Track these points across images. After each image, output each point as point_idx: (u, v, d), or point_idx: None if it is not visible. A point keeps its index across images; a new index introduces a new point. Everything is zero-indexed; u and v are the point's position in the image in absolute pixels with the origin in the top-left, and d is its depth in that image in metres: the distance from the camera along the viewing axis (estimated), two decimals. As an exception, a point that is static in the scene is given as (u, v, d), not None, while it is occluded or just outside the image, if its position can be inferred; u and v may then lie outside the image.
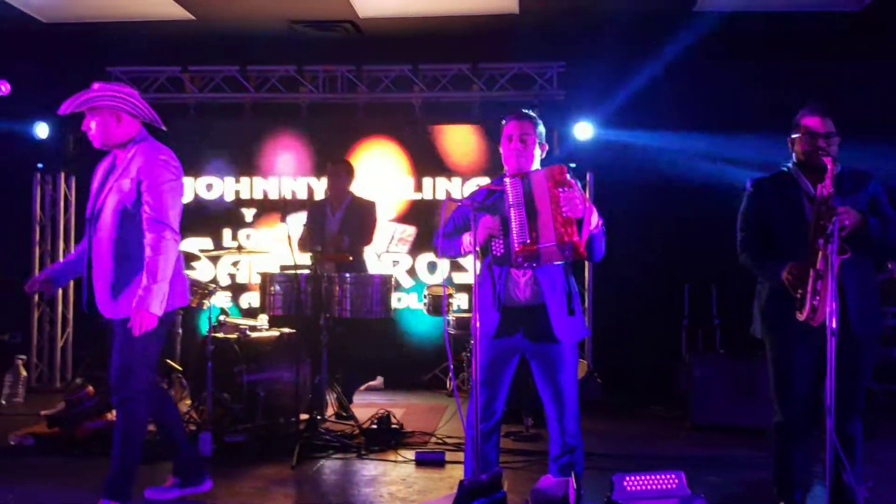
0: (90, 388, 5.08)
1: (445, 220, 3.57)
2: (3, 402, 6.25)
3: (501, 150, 3.50)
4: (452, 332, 6.29)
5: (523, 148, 3.45)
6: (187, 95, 7.69)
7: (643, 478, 3.13)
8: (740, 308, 4.01)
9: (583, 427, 3.42)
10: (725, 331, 6.36)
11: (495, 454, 3.56)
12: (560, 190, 3.23)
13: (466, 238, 3.47)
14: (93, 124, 3.60)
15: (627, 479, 3.10)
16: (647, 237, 6.95)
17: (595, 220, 3.30)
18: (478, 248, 3.39)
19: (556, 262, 3.34)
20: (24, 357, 6.59)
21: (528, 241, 3.28)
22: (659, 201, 6.96)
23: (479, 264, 3.37)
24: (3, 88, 3.44)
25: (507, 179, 3.39)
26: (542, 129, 3.52)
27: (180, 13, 6.44)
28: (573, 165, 3.51)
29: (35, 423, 5.18)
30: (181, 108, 7.75)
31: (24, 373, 6.40)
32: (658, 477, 3.15)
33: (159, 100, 7.71)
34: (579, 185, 3.31)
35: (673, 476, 3.15)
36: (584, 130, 6.99)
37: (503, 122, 3.51)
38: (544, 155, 3.53)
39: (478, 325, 3.34)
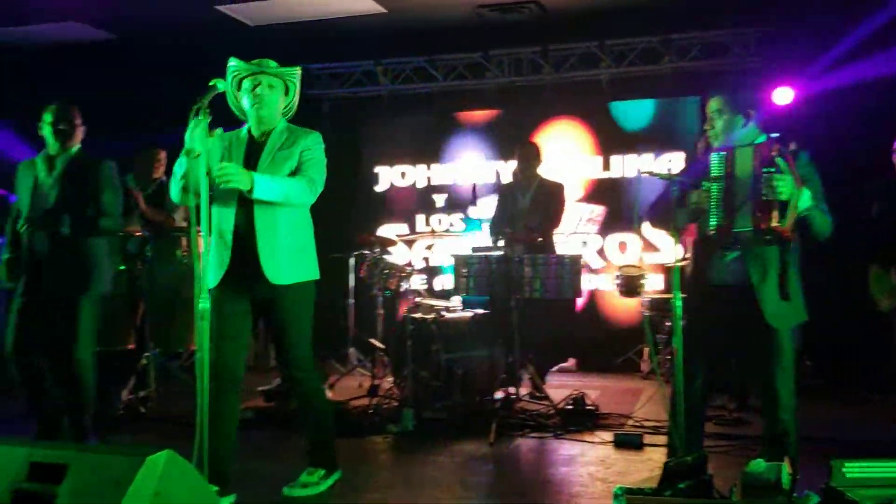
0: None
1: (646, 194, 3.50)
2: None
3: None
4: (647, 313, 6.14)
5: (719, 123, 3.33)
6: (381, 87, 8.00)
7: (865, 465, 2.91)
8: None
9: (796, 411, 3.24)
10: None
11: (699, 437, 3.46)
12: (765, 170, 3.07)
13: (679, 212, 3.38)
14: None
15: (847, 465, 2.89)
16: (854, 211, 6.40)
17: (806, 201, 3.11)
18: (681, 226, 3.30)
19: (761, 246, 3.19)
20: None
21: (724, 224, 3.16)
22: (868, 174, 6.40)
23: (683, 242, 3.28)
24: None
25: (712, 155, 3.27)
26: (745, 98, 3.36)
27: (373, 7, 6.70)
28: (776, 135, 3.31)
29: (253, 398, 5.61)
30: (375, 99, 8.09)
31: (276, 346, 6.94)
32: (882, 465, 2.92)
33: (355, 93, 8.11)
34: (789, 162, 3.12)
35: (900, 465, 2.90)
36: (783, 96, 6.56)
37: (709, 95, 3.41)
38: (750, 123, 3.36)
39: (679, 303, 3.23)
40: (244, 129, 3.59)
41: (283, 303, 3.50)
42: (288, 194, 3.42)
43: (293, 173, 3.50)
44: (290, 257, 3.48)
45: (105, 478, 2.40)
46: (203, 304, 2.94)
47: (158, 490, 2.41)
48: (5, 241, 4.31)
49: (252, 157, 3.49)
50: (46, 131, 4.22)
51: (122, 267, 5.34)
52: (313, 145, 3.57)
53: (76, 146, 4.29)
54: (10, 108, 5.26)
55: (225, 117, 3.40)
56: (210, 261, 3.42)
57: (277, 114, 3.56)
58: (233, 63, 3.48)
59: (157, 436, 4.76)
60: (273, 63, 3.52)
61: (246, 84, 3.48)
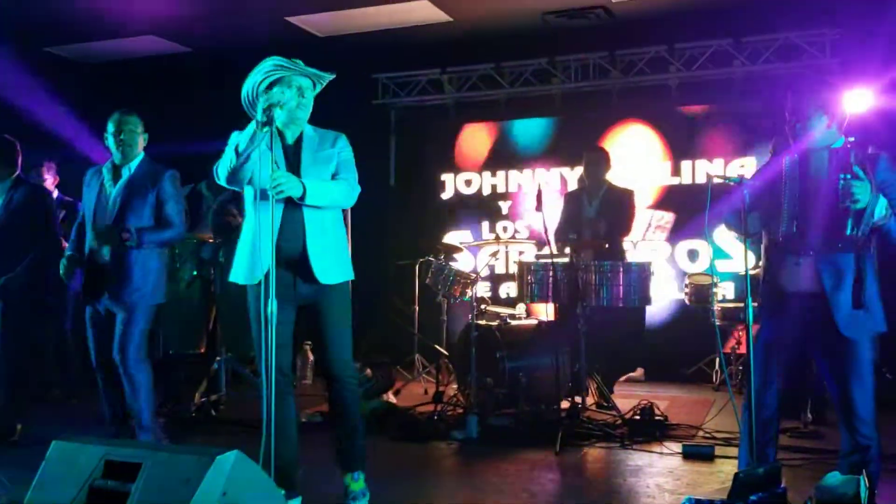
0: (368, 370, 5.49)
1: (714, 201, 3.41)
2: (295, 383, 6.93)
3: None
4: (718, 322, 6.00)
5: (798, 126, 3.23)
6: (446, 96, 8.04)
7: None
8: None
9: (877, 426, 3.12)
10: None
11: (772, 449, 3.37)
12: (842, 175, 2.97)
13: (751, 217, 3.31)
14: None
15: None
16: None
17: (881, 209, 3.01)
18: (752, 231, 3.22)
19: (834, 253, 3.09)
20: (310, 343, 7.26)
21: (795, 231, 3.08)
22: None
23: (755, 248, 3.19)
24: None
25: (786, 158, 3.18)
26: (826, 100, 3.25)
27: (439, 16, 6.75)
28: (853, 139, 3.20)
29: (322, 402, 5.67)
30: (441, 108, 8.13)
31: (311, 357, 7.05)
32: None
33: (421, 101, 8.16)
34: (867, 167, 3.01)
35: None
36: (861, 100, 6.33)
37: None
38: (831, 127, 3.25)
39: (751, 311, 3.15)
40: (257, 128, 3.26)
41: (328, 303, 3.47)
42: (335, 198, 3.44)
43: (333, 175, 3.50)
44: (335, 257, 3.48)
45: (176, 476, 2.45)
46: (271, 306, 3.00)
47: (226, 490, 2.46)
48: (70, 241, 4.44)
49: (290, 160, 3.43)
50: (110, 141, 4.30)
51: (196, 273, 5.48)
52: (346, 147, 3.56)
53: (139, 155, 4.34)
54: (96, 121, 5.46)
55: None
56: (254, 259, 3.35)
57: (308, 115, 3.52)
58: (268, 65, 3.33)
59: (227, 438, 4.86)
60: (301, 64, 3.42)
61: (287, 82, 3.36)
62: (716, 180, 3.38)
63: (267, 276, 3.13)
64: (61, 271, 4.29)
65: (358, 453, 3.60)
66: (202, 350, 5.56)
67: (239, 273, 3.44)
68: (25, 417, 4.91)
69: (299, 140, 3.48)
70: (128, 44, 7.43)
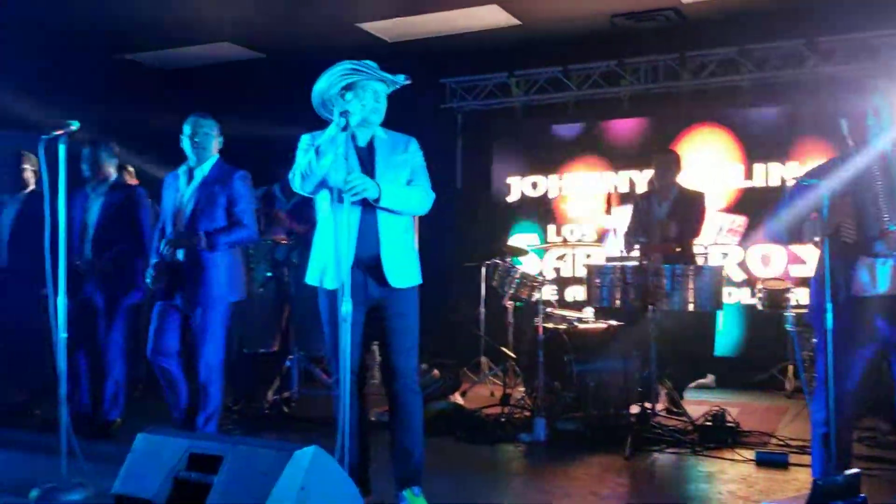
0: (436, 371, 5.54)
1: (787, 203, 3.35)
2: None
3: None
4: (792, 328, 5.86)
5: (875, 123, 3.16)
6: (514, 99, 8.05)
7: None
8: None
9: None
10: None
11: (848, 457, 3.28)
12: None
13: (809, 224, 3.23)
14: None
15: None
16: None
17: None
18: (825, 235, 3.14)
19: None
20: (378, 342, 7.35)
21: (878, 231, 3.00)
22: None
23: (824, 252, 3.12)
24: None
25: (871, 158, 3.11)
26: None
27: (507, 20, 6.77)
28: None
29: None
30: (508, 111, 8.15)
31: (378, 357, 7.15)
32: None
33: (487, 105, 8.20)
34: None
35: None
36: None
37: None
38: None
39: (830, 316, 3.08)
40: (337, 131, 3.27)
41: (396, 307, 3.47)
42: (411, 204, 3.46)
43: (409, 181, 3.51)
44: (406, 261, 3.48)
45: (256, 470, 2.55)
46: (346, 307, 3.05)
47: (304, 484, 2.54)
48: (154, 247, 4.57)
49: (364, 163, 3.43)
50: (185, 144, 4.41)
51: (270, 273, 5.61)
52: (417, 152, 3.55)
53: (213, 157, 4.45)
54: (172, 127, 5.68)
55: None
56: (326, 258, 3.39)
57: (381, 119, 3.52)
58: (340, 68, 3.37)
59: (298, 436, 4.94)
60: (376, 66, 3.43)
61: (361, 86, 3.39)
62: (791, 182, 3.32)
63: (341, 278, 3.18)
64: (147, 279, 4.39)
65: (417, 468, 3.51)
66: (275, 349, 5.70)
67: (314, 275, 3.50)
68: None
69: (371, 143, 3.49)
70: (204, 50, 7.65)
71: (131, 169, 6.42)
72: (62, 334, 3.79)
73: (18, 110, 7.09)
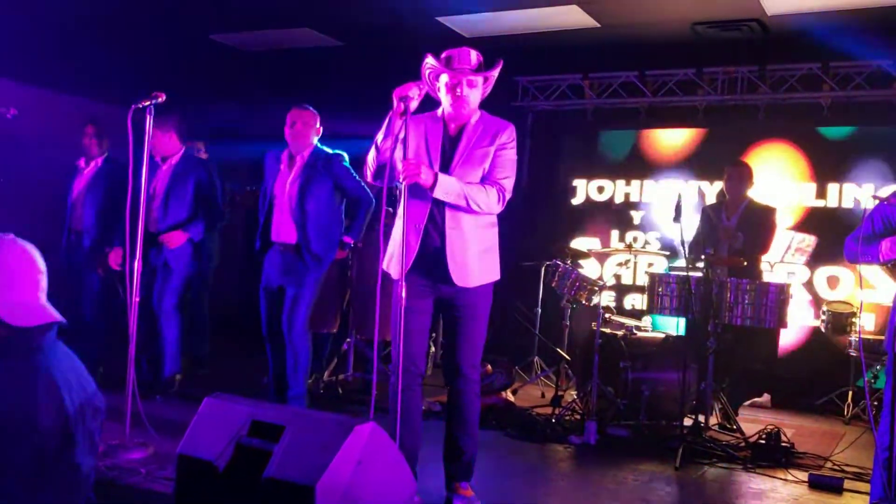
0: (488, 366, 5.56)
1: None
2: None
3: None
4: (855, 353, 5.74)
5: None
6: (586, 101, 8.01)
7: None
8: None
9: None
10: None
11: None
12: None
13: (886, 244, 3.17)
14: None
15: None
16: None
17: None
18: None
19: None
20: (433, 334, 7.41)
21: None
22: None
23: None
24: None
25: None
26: None
27: (586, 21, 6.74)
28: None
29: (441, 393, 5.79)
30: (579, 113, 8.11)
31: (432, 348, 7.21)
32: None
33: (558, 106, 8.17)
34: None
35: None
36: None
37: None
38: None
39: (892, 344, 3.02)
40: (440, 113, 3.48)
41: (463, 302, 3.43)
42: (474, 202, 3.35)
43: (486, 171, 3.44)
44: (474, 259, 3.41)
45: (317, 441, 2.60)
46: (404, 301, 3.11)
47: (361, 459, 2.59)
48: (260, 229, 4.77)
49: (447, 151, 3.43)
50: (287, 132, 4.71)
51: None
52: (508, 141, 3.46)
53: (311, 145, 4.73)
54: (256, 107, 5.89)
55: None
56: (399, 250, 3.33)
57: (475, 108, 3.46)
58: (430, 61, 3.41)
59: (353, 417, 5.03)
60: (472, 55, 3.39)
61: (444, 79, 3.39)
62: (871, 203, 3.25)
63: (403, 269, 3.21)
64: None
65: (468, 465, 3.51)
66: (335, 330, 5.80)
67: (385, 261, 3.52)
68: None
69: (460, 132, 3.46)
70: (285, 34, 7.78)
71: (201, 146, 6.62)
72: (135, 298, 3.93)
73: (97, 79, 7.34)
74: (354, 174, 4.77)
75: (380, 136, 3.35)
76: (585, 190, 8.11)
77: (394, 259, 3.45)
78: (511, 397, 5.76)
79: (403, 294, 3.18)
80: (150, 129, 3.94)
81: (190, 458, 2.80)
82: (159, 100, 3.90)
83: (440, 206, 3.37)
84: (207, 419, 2.88)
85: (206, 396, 2.88)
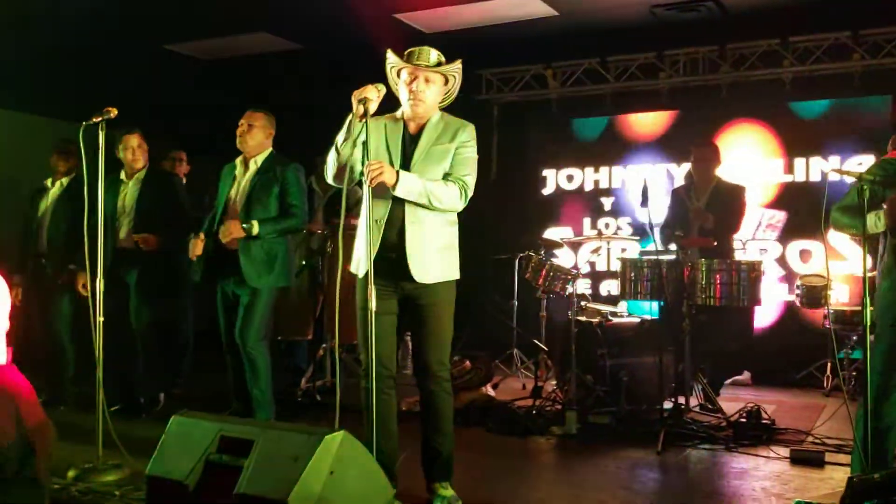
0: (467, 362, 5.53)
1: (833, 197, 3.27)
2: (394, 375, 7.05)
3: None
4: (831, 326, 5.77)
5: None
6: (550, 91, 8.00)
7: None
8: None
9: None
10: None
11: (888, 458, 3.21)
12: None
13: (872, 217, 3.16)
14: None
15: None
16: None
17: None
18: (874, 230, 3.08)
19: None
20: (409, 332, 7.37)
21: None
22: None
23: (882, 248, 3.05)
24: None
25: None
26: None
27: (545, 10, 6.72)
28: None
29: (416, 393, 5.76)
30: (544, 103, 8.09)
31: (411, 347, 7.17)
32: None
33: (524, 97, 8.15)
34: None
35: None
36: None
37: None
38: None
39: (867, 315, 3.02)
40: (400, 114, 3.48)
41: (426, 301, 3.40)
42: (436, 198, 3.33)
43: (447, 169, 3.42)
44: (434, 255, 3.39)
45: (286, 454, 2.56)
46: (371, 301, 3.06)
47: (333, 469, 2.55)
48: (204, 231, 4.68)
49: (407, 150, 3.41)
50: (238, 134, 4.56)
51: (304, 262, 5.65)
52: (468, 140, 3.46)
53: (267, 150, 4.61)
54: (213, 116, 5.77)
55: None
56: (361, 248, 3.36)
57: (434, 107, 3.46)
58: (391, 57, 3.41)
59: (331, 423, 4.97)
60: (432, 54, 3.39)
61: (403, 76, 3.39)
62: (833, 175, 3.25)
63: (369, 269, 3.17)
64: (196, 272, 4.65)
65: (446, 465, 3.49)
66: (309, 337, 5.74)
67: (354, 263, 3.49)
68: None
69: (420, 131, 3.44)
70: (242, 40, 7.70)
71: (182, 156, 6.53)
72: (99, 318, 3.86)
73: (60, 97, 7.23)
74: (303, 190, 4.63)
75: (339, 138, 3.32)
76: (555, 179, 8.10)
77: (361, 262, 3.43)
78: (491, 392, 5.74)
79: (372, 295, 3.13)
80: (102, 145, 3.85)
81: (160, 479, 2.75)
82: (111, 115, 3.82)
83: (400, 202, 3.35)
84: (175, 438, 2.84)
85: (174, 415, 2.82)
